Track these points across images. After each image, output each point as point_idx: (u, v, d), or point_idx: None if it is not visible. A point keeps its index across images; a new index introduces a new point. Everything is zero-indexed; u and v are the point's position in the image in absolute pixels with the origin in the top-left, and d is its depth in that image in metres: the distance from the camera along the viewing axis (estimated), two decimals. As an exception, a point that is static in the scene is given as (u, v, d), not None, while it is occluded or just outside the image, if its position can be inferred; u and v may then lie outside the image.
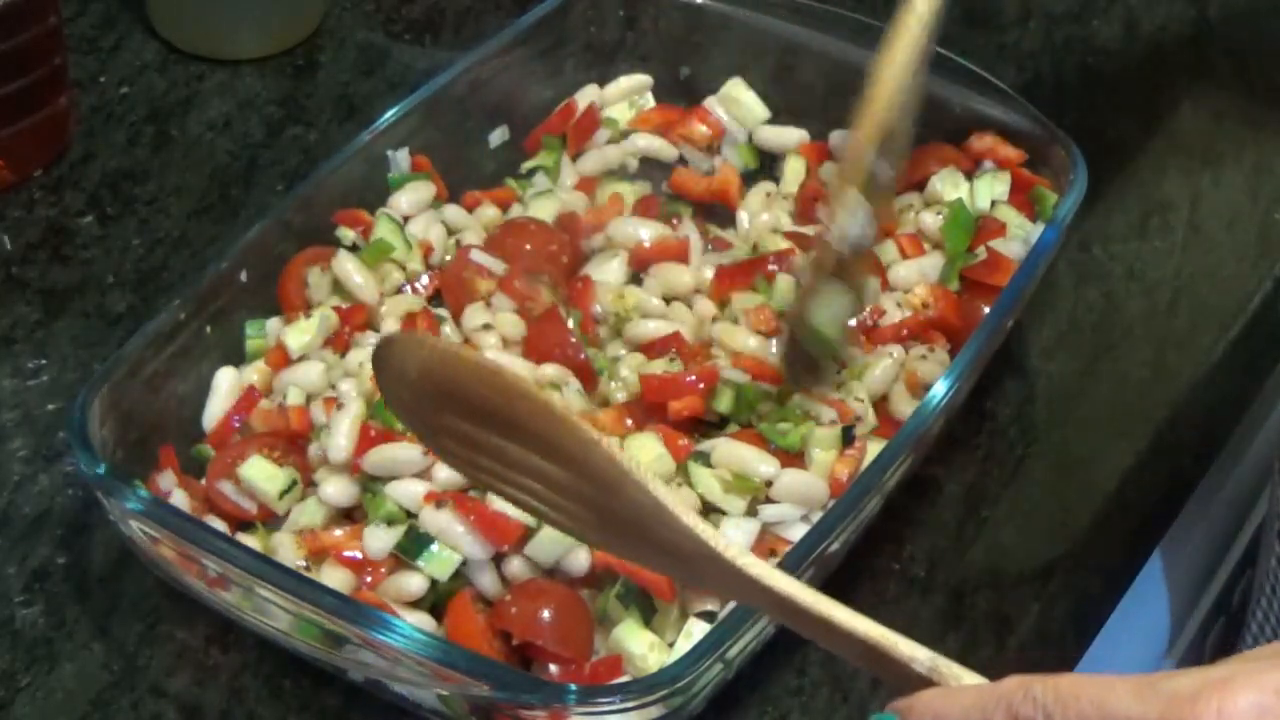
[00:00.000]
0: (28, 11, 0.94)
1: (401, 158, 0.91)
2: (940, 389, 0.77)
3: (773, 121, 0.97)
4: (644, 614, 0.74)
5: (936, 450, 0.84)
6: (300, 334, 0.83)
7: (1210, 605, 1.10)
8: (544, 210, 0.92)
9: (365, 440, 0.77)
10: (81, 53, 1.07)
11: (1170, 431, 0.89)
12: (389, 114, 0.91)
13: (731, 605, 0.73)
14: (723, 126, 0.97)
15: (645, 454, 0.78)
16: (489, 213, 0.92)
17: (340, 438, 0.78)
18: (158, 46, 1.08)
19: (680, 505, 0.57)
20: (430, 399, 0.61)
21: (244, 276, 0.84)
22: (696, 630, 0.73)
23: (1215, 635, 1.11)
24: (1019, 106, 0.91)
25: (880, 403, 0.83)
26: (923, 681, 0.54)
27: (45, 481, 0.84)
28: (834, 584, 0.78)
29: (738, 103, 0.97)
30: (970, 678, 0.54)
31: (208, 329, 0.82)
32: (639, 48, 1.00)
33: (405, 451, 0.77)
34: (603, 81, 0.99)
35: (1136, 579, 0.90)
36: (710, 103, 0.98)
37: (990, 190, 0.91)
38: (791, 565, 0.72)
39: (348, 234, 0.87)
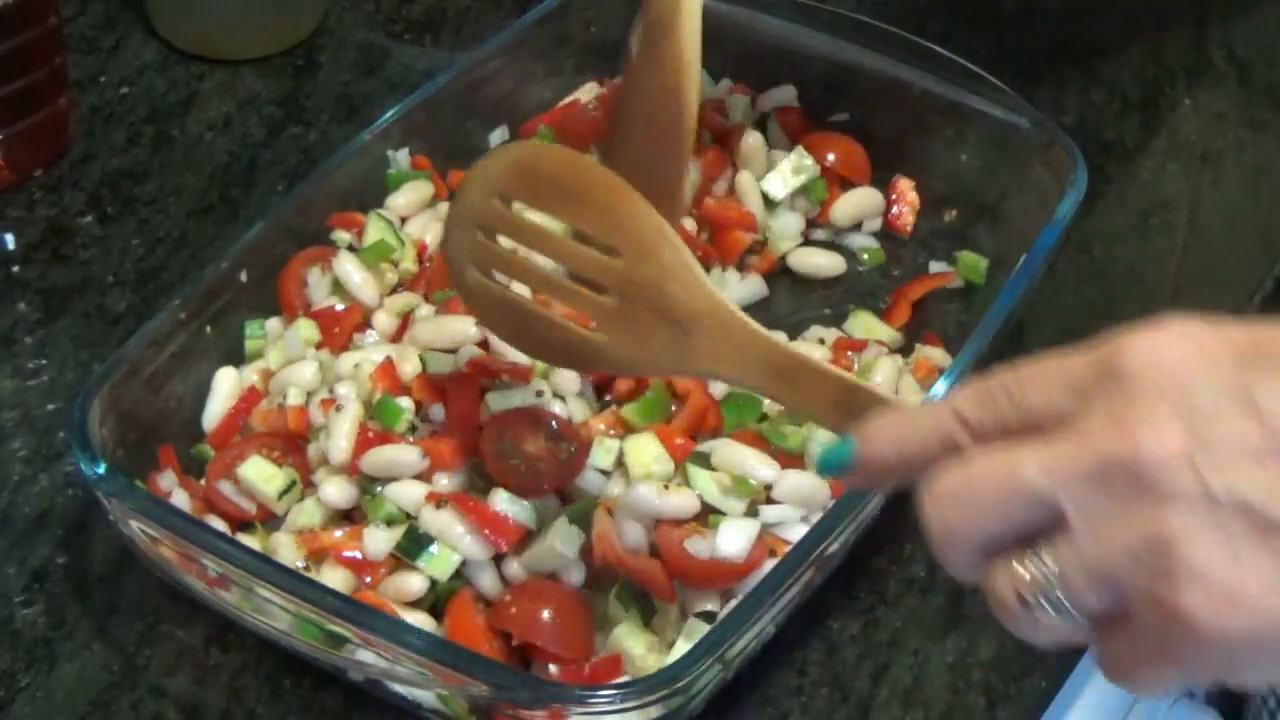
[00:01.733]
0: (28, 11, 0.94)
1: (402, 158, 0.91)
2: (939, 389, 0.77)
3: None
4: (644, 614, 0.74)
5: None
6: (280, 351, 0.84)
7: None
8: None
9: (364, 442, 0.77)
10: (81, 53, 1.07)
11: (1170, 431, 0.88)
12: (389, 114, 0.91)
13: (732, 605, 0.73)
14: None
15: (643, 454, 0.78)
16: None
17: (339, 439, 0.77)
18: (158, 46, 1.08)
19: (699, 267, 0.68)
20: (505, 193, 0.71)
21: (244, 277, 0.84)
22: (696, 630, 0.73)
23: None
24: (1021, 106, 0.91)
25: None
26: None
27: (45, 481, 0.84)
28: (834, 584, 0.78)
29: None
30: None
31: (207, 329, 0.82)
32: (639, 47, 1.00)
33: (404, 453, 0.77)
34: (602, 81, 0.99)
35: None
36: None
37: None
38: (791, 566, 0.72)
39: (344, 236, 0.87)
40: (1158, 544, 0.48)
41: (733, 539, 0.74)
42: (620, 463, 0.79)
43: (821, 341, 0.88)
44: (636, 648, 0.73)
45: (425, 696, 0.72)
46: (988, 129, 0.92)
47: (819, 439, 0.79)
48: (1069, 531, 0.50)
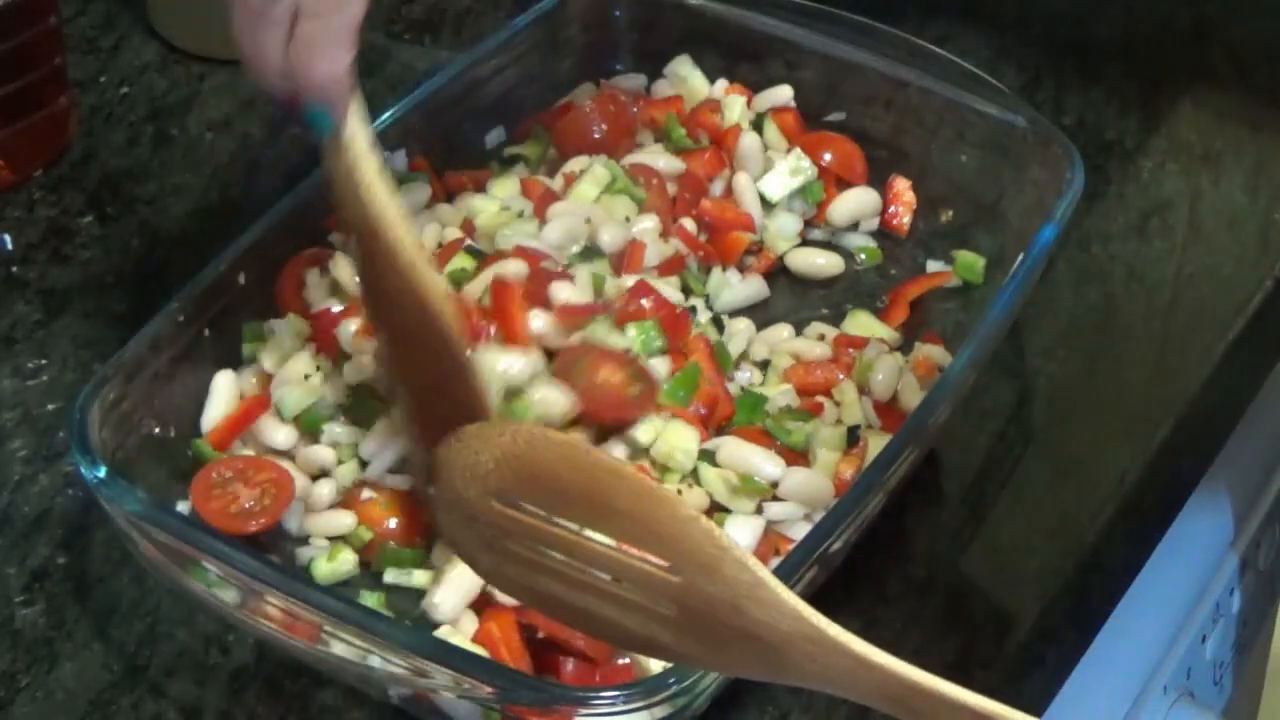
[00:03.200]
0: (28, 11, 0.94)
1: (399, 159, 0.91)
2: (939, 389, 0.77)
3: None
4: None
5: (937, 450, 0.84)
6: (272, 352, 0.84)
7: (1210, 607, 1.09)
8: (504, 190, 0.92)
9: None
10: (81, 53, 1.07)
11: (1170, 431, 0.89)
12: (388, 114, 0.91)
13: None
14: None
15: (681, 439, 0.79)
16: (474, 203, 0.92)
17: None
18: (158, 46, 1.08)
19: (778, 582, 0.56)
20: (503, 493, 0.59)
21: (243, 278, 0.84)
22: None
23: (1215, 637, 1.11)
24: (1019, 106, 0.91)
25: (889, 402, 0.84)
26: None
27: (45, 481, 0.84)
28: (834, 584, 0.78)
29: (685, 81, 0.98)
30: None
31: (206, 331, 0.82)
32: (637, 48, 1.00)
33: None
34: (599, 83, 0.99)
35: (1136, 579, 0.90)
36: (660, 85, 0.99)
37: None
38: (794, 564, 0.72)
39: (341, 237, 0.87)
40: None
41: (740, 539, 0.74)
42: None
43: (821, 337, 0.88)
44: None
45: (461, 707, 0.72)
46: (985, 129, 0.92)
47: (822, 437, 0.79)
48: None
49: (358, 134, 0.72)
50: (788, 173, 0.94)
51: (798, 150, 0.95)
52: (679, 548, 0.56)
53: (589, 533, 0.58)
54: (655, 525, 0.56)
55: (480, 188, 0.93)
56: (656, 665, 0.72)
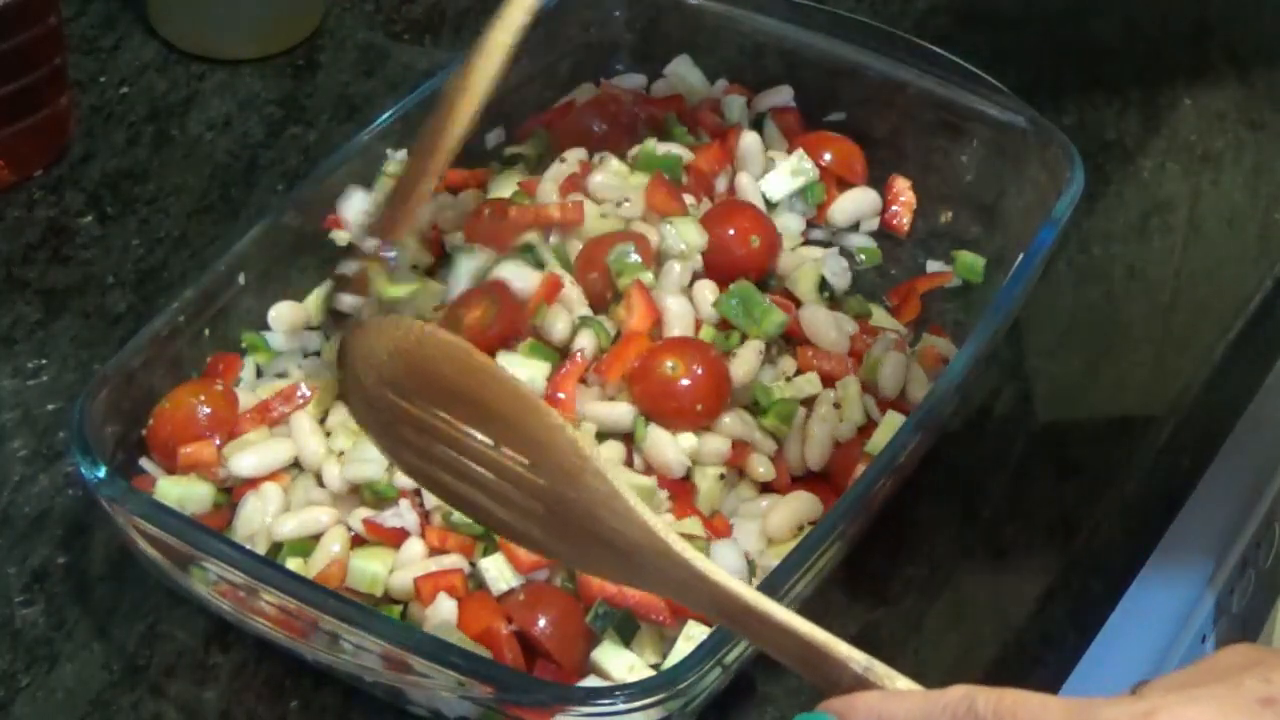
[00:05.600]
0: (28, 11, 0.94)
1: (401, 158, 0.91)
2: (939, 389, 0.78)
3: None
4: (624, 634, 0.73)
5: (937, 451, 0.84)
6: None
7: (1210, 606, 1.10)
8: (504, 190, 0.92)
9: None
10: (81, 53, 1.07)
11: (1170, 431, 0.89)
12: (388, 114, 0.91)
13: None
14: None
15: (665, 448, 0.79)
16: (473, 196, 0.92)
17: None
18: (158, 46, 1.08)
19: (634, 496, 0.59)
20: (396, 383, 0.63)
21: (243, 278, 0.84)
22: (695, 633, 0.72)
23: (1215, 637, 1.11)
24: (1018, 106, 0.91)
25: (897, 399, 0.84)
26: (857, 683, 0.55)
27: (45, 481, 0.84)
28: (834, 584, 0.78)
29: (684, 81, 0.98)
30: (904, 682, 0.55)
31: (206, 331, 0.82)
32: (637, 48, 1.00)
33: None
34: (598, 83, 0.99)
35: (1136, 579, 0.90)
36: (660, 85, 0.99)
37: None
38: (788, 570, 0.71)
39: (342, 235, 0.87)
40: None
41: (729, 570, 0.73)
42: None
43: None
44: (616, 669, 0.72)
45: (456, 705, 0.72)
46: (985, 129, 0.92)
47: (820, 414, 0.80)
48: None
49: None
50: (789, 173, 0.94)
51: (800, 151, 0.95)
52: (545, 452, 0.60)
53: (467, 429, 0.62)
54: (526, 430, 0.61)
55: (481, 188, 0.93)
56: (618, 674, 0.72)
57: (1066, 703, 0.51)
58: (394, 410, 0.64)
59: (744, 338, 0.83)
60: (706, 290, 0.85)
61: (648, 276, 0.84)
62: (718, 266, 0.87)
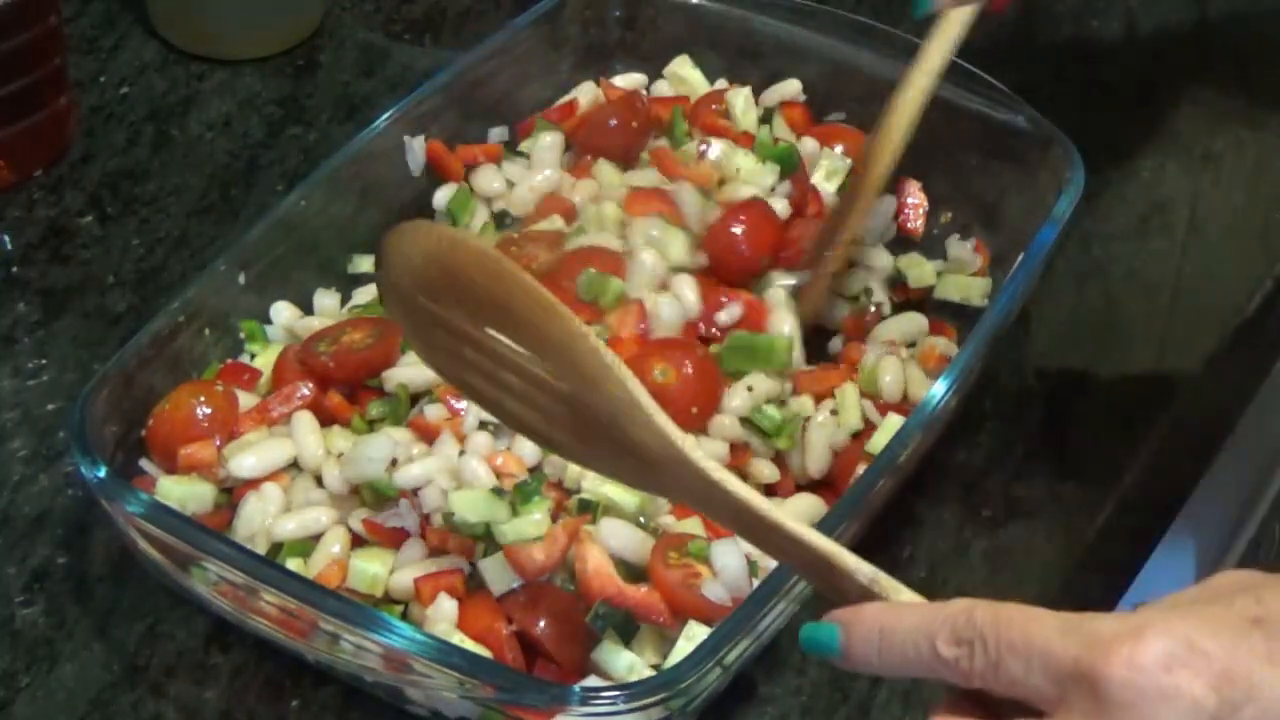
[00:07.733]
0: (28, 11, 0.94)
1: (417, 145, 0.91)
2: (939, 389, 0.78)
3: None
4: (624, 634, 0.73)
5: (937, 451, 0.84)
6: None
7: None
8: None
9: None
10: (81, 53, 1.07)
11: (1170, 431, 0.89)
12: (388, 114, 0.91)
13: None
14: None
15: None
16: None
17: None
18: (158, 46, 1.08)
19: (654, 404, 0.61)
20: (429, 287, 0.65)
21: (243, 278, 0.84)
22: (696, 633, 0.72)
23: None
24: (1019, 106, 0.91)
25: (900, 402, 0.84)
26: (863, 594, 0.58)
27: (45, 481, 0.84)
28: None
29: (684, 81, 0.98)
30: (908, 594, 0.57)
31: (206, 331, 0.82)
32: (637, 48, 1.00)
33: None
34: (599, 81, 0.99)
35: (1136, 579, 0.90)
36: (660, 85, 0.99)
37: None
38: (790, 570, 0.71)
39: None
40: None
41: (731, 569, 0.74)
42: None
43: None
44: (616, 669, 0.72)
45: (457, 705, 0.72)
46: (986, 129, 0.92)
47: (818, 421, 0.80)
48: None
49: None
50: (823, 177, 0.94)
51: (841, 148, 0.94)
52: (569, 359, 0.62)
53: (495, 333, 0.64)
54: (551, 336, 0.62)
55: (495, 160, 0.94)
56: (618, 674, 0.72)
57: (1062, 616, 0.53)
58: (427, 313, 0.65)
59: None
60: (687, 289, 0.85)
61: (625, 290, 0.84)
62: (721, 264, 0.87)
